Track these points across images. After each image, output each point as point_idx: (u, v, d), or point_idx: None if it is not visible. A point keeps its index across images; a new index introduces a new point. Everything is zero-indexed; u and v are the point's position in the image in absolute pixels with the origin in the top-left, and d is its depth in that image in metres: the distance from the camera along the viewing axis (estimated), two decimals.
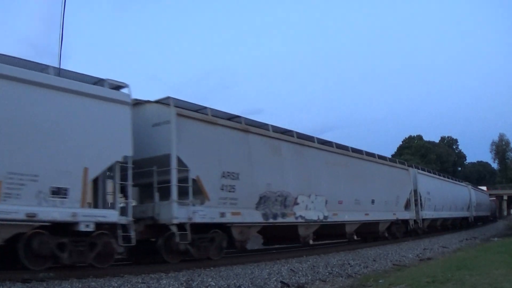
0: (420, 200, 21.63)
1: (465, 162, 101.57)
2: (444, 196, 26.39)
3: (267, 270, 9.30)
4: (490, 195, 57.37)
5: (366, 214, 16.40)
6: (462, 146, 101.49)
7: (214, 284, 7.56)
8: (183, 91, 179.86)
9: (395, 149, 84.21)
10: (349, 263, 10.85)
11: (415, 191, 21.26)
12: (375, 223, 17.43)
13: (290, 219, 12.45)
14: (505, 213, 68.66)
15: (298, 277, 8.70)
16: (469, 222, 32.83)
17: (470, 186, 35.92)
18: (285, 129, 13.56)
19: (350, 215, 15.45)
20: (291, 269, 9.53)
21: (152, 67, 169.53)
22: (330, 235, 16.10)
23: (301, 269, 9.67)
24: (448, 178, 31.61)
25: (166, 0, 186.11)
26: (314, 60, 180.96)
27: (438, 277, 7.16)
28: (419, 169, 23.84)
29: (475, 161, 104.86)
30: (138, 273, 8.36)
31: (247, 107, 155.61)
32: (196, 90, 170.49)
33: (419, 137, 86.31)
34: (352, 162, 16.34)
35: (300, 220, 12.83)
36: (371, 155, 18.46)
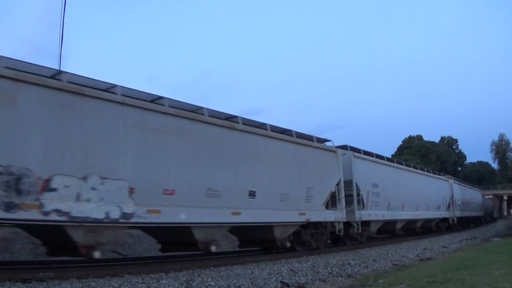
0: (359, 195, 15.92)
1: (465, 162, 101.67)
2: (407, 190, 20.45)
3: (267, 270, 9.29)
4: (487, 193, 55.39)
5: (236, 213, 10.67)
6: (462, 146, 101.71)
7: (214, 284, 7.56)
8: (183, 91, 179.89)
9: (395, 149, 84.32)
10: (349, 263, 10.85)
11: (349, 182, 15.56)
12: (264, 228, 11.77)
13: (26, 215, 7.05)
14: (505, 213, 68.68)
15: (298, 277, 8.70)
16: (450, 225, 27.80)
17: (452, 181, 29.92)
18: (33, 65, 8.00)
19: (197, 214, 9.72)
20: (291, 269, 9.53)
21: (152, 67, 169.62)
22: (169, 243, 10.77)
23: (301, 269, 9.67)
24: (416, 168, 24.13)
25: (166, 0, 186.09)
26: (314, 60, 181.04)
27: (438, 277, 7.16)
28: (360, 152, 17.16)
29: (475, 161, 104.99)
30: (138, 273, 8.36)
31: (247, 107, 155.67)
32: (196, 90, 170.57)
33: (419, 137, 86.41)
34: (207, 132, 10.36)
35: (56, 217, 7.40)
36: (256, 125, 12.25)
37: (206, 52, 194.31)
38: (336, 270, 9.68)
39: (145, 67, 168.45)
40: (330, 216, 14.25)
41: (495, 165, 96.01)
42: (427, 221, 24.05)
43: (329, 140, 15.40)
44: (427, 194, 23.44)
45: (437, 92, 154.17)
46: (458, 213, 29.18)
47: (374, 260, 11.62)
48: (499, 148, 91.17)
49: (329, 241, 15.43)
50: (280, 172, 12.26)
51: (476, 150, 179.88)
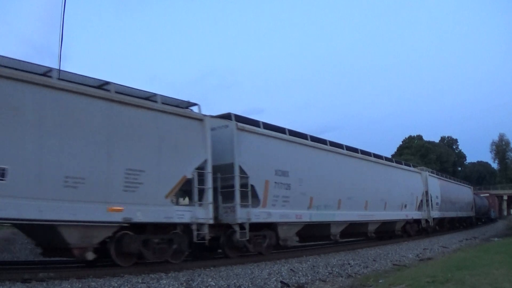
0: (247, 185, 10.98)
1: (465, 162, 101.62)
2: (347, 183, 15.36)
3: (267, 270, 9.29)
4: (482, 192, 51.86)
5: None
6: (462, 146, 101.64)
7: (214, 284, 7.57)
8: (183, 91, 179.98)
9: (395, 149, 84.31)
10: (349, 263, 10.85)
11: (230, 166, 10.93)
12: (47, 229, 7.75)
13: None
14: (505, 213, 68.63)
15: (298, 277, 8.70)
16: (423, 228, 22.73)
17: (427, 173, 24.07)
18: None
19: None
20: (291, 269, 9.53)
21: (152, 67, 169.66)
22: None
23: (301, 269, 9.67)
24: (368, 154, 18.02)
25: (166, 0, 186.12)
26: (315, 60, 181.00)
27: (438, 277, 7.15)
28: (254, 125, 11.99)
29: (475, 161, 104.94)
30: (138, 273, 8.36)
31: (247, 107, 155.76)
32: (196, 90, 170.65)
33: (419, 137, 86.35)
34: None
35: None
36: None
37: (207, 52, 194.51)
38: (336, 270, 9.68)
39: (145, 67, 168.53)
40: (180, 214, 9.49)
41: (495, 165, 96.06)
42: (386, 224, 18.60)
43: (194, 104, 10.54)
44: (385, 189, 18.13)
45: (437, 92, 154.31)
46: (436, 213, 24.10)
47: (374, 260, 11.63)
48: (499, 148, 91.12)
49: (187, 252, 10.15)
50: (70, 142, 7.80)
51: (476, 150, 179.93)
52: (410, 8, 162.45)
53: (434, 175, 26.42)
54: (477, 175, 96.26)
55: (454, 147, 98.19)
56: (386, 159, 20.19)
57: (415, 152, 79.72)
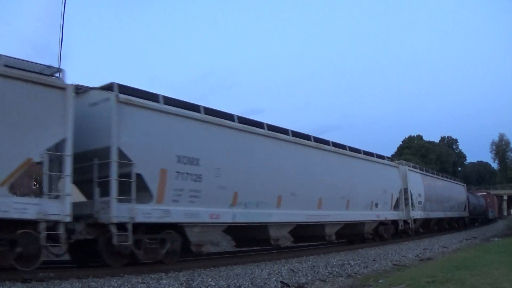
0: (131, 174, 8.82)
1: (465, 162, 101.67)
2: (291, 176, 12.75)
3: (267, 270, 9.29)
4: (479, 190, 48.90)
5: None
6: (462, 146, 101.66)
7: (214, 284, 7.57)
8: (183, 91, 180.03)
9: (395, 149, 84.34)
10: (349, 263, 10.85)
11: (106, 151, 8.72)
12: None
13: None
14: (505, 213, 68.61)
15: (298, 277, 8.70)
16: (402, 230, 19.73)
17: (407, 168, 21.07)
18: None
19: None
20: (291, 269, 9.54)
21: (152, 67, 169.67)
22: None
23: (301, 269, 9.67)
24: (325, 142, 15.05)
25: (166, 0, 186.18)
26: (315, 60, 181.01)
27: (438, 277, 7.15)
28: (152, 99, 9.64)
29: (475, 161, 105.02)
30: (138, 273, 8.35)
31: (247, 107, 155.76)
32: (196, 90, 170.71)
33: (419, 137, 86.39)
34: None
35: None
36: None
37: (207, 52, 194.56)
38: (336, 270, 9.68)
39: (145, 67, 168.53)
40: (20, 208, 7.27)
41: (495, 165, 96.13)
42: (351, 226, 15.78)
43: (58, 70, 8.25)
44: (347, 185, 15.28)
45: (437, 92, 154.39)
46: (418, 214, 21.30)
47: (374, 260, 11.63)
48: (499, 148, 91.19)
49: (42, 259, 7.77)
50: None
51: (476, 150, 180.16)
52: (410, 8, 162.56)
53: (417, 170, 23.06)
54: (477, 175, 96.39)
55: (454, 147, 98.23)
56: (351, 149, 16.35)
57: (415, 152, 79.73)
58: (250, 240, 12.68)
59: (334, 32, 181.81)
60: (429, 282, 6.78)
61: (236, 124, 11.20)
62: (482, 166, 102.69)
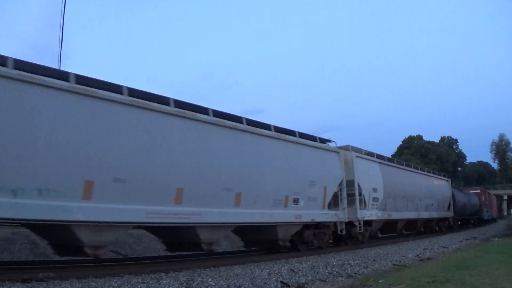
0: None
1: (465, 162, 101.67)
2: (121, 160, 8.46)
3: (267, 270, 9.29)
4: (472, 188, 45.04)
5: None
6: (462, 146, 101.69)
7: (214, 284, 7.56)
8: (183, 91, 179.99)
9: (395, 149, 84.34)
10: (349, 263, 10.85)
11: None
12: None
13: None
14: (505, 213, 68.58)
15: (298, 277, 8.70)
16: (342, 234, 14.98)
17: (355, 154, 16.22)
18: None
19: None
20: (291, 269, 9.53)
21: (152, 67, 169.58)
22: None
23: (301, 269, 9.67)
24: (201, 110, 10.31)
25: (166, 0, 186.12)
26: (315, 60, 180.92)
27: (438, 277, 7.15)
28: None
29: (475, 161, 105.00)
30: (138, 273, 8.36)
31: (247, 107, 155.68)
32: (196, 91, 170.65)
33: (419, 137, 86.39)
34: None
35: None
36: None
37: (207, 52, 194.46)
38: (336, 270, 9.68)
39: (145, 67, 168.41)
40: None
41: (495, 165, 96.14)
42: (249, 229, 11.88)
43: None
44: (237, 172, 10.85)
45: (437, 92, 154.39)
46: (372, 214, 16.77)
47: (374, 260, 11.62)
48: (499, 148, 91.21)
49: None
50: None
51: (476, 150, 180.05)
52: (410, 8, 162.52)
53: (372, 158, 17.79)
54: (477, 175, 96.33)
55: (454, 147, 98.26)
56: (251, 122, 11.57)
57: (415, 152, 79.78)
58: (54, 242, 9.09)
59: (334, 32, 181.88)
60: (429, 282, 6.78)
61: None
62: (482, 166, 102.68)
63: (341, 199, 14.89)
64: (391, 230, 20.29)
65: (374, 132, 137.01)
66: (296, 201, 12.71)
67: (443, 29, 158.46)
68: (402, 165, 21.67)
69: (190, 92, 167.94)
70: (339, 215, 14.78)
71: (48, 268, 8.17)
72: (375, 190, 17.11)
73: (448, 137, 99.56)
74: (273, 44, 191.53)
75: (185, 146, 9.70)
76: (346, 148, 16.16)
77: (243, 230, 12.18)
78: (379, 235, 19.70)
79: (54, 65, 8.50)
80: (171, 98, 9.54)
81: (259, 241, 12.76)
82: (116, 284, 7.11)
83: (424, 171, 25.12)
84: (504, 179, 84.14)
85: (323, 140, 14.87)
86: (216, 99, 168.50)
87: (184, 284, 7.43)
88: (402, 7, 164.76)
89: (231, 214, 10.67)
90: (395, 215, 19.01)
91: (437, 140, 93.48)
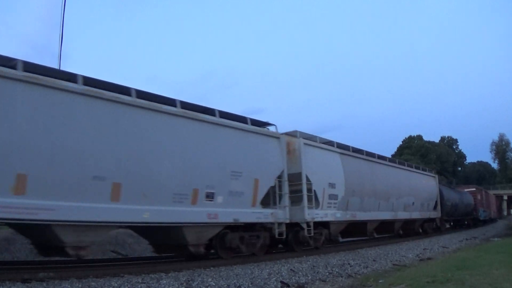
0: None
1: (465, 162, 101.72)
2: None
3: (267, 270, 9.29)
4: (467, 186, 41.61)
5: None
6: (462, 146, 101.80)
7: (214, 284, 7.56)
8: (183, 91, 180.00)
9: (395, 149, 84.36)
10: (349, 263, 10.85)
11: None
12: None
13: None
14: (505, 213, 68.59)
15: (298, 277, 8.69)
16: (281, 238, 12.12)
17: (303, 140, 13.45)
18: None
19: None
20: (291, 269, 9.53)
21: (152, 67, 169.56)
22: None
23: (301, 269, 9.67)
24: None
25: (166, 0, 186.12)
26: (315, 60, 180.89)
27: (438, 277, 7.15)
28: None
29: (475, 161, 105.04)
30: (138, 273, 8.36)
31: (247, 107, 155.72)
32: (196, 90, 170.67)
33: (419, 137, 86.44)
34: None
35: None
36: None
37: (207, 52, 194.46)
38: (336, 270, 9.68)
39: (145, 67, 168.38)
40: None
41: (495, 165, 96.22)
42: (155, 230, 9.60)
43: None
44: (114, 157, 8.33)
45: (437, 92, 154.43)
46: (329, 214, 14.01)
47: (374, 260, 11.62)
48: (499, 148, 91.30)
49: None
50: None
51: (476, 150, 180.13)
52: (410, 8, 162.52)
53: (330, 147, 14.87)
54: (477, 175, 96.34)
55: (454, 147, 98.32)
56: (141, 95, 9.01)
57: (415, 152, 79.82)
58: None
59: (334, 32, 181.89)
60: (429, 282, 6.78)
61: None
62: (482, 166, 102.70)
63: (280, 195, 12.18)
64: (359, 233, 17.38)
65: (374, 132, 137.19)
66: (210, 196, 10.09)
67: (443, 29, 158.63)
68: (374, 157, 18.10)
69: (190, 92, 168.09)
70: (277, 215, 11.95)
71: (48, 268, 8.17)
72: (332, 185, 14.23)
73: (448, 137, 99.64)
74: (273, 44, 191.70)
75: (34, 120, 7.31)
76: (292, 134, 13.49)
77: (147, 232, 10.09)
78: (340, 239, 16.48)
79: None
80: (19, 60, 7.38)
81: (168, 246, 10.40)
82: (116, 284, 7.11)
83: (404, 165, 21.75)
84: (504, 179, 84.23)
85: (259, 123, 12.20)
86: (216, 99, 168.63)
87: (184, 284, 7.43)
88: (402, 7, 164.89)
89: (106, 210, 8.12)
90: (362, 216, 16.07)
91: (437, 140, 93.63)
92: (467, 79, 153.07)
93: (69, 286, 6.80)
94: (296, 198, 12.85)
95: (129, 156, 8.48)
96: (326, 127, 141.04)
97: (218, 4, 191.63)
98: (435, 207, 24.56)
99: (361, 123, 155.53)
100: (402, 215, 19.75)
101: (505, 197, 69.41)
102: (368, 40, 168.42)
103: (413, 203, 20.89)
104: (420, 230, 23.16)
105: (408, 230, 21.66)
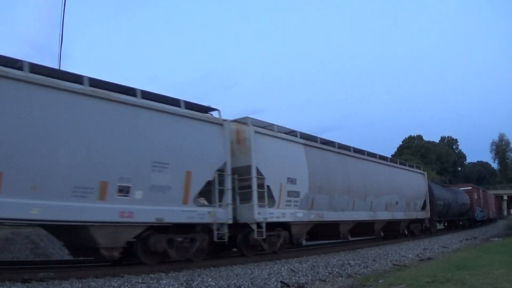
0: None
1: (465, 162, 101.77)
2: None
3: (267, 270, 9.29)
4: (462, 184, 39.55)
5: None
6: (462, 146, 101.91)
7: (214, 284, 7.56)
8: (183, 91, 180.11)
9: (395, 149, 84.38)
10: (349, 263, 10.85)
11: None
12: None
13: None
14: (505, 213, 68.63)
15: (298, 277, 8.70)
16: (220, 240, 10.34)
17: (254, 129, 11.52)
18: None
19: None
20: (291, 269, 9.53)
21: (152, 67, 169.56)
22: None
23: (301, 269, 9.67)
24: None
25: (166, 0, 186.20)
26: (315, 60, 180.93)
27: (438, 277, 7.16)
28: None
29: (475, 161, 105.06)
30: (138, 273, 8.36)
31: (247, 107, 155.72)
32: (196, 90, 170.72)
33: (419, 137, 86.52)
34: None
35: None
36: None
37: (207, 52, 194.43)
38: (336, 270, 9.68)
39: (145, 67, 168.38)
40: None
41: (495, 165, 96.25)
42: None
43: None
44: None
45: (437, 92, 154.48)
46: (288, 214, 12.21)
47: (374, 260, 11.62)
48: (499, 148, 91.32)
49: None
50: None
51: (476, 150, 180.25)
52: (410, 8, 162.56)
53: (291, 137, 13.00)
54: (477, 175, 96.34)
55: (454, 147, 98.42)
56: (36, 69, 7.62)
57: (415, 152, 79.86)
58: None
59: (334, 32, 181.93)
60: (429, 282, 6.79)
61: None
62: (482, 166, 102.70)
63: (221, 191, 10.48)
64: (331, 236, 15.49)
65: (374, 132, 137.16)
66: (124, 190, 8.50)
67: (443, 29, 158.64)
68: (349, 150, 16.11)
69: (190, 92, 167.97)
70: (217, 214, 10.22)
71: (48, 268, 8.18)
72: (292, 181, 12.36)
73: (448, 137, 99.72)
74: (273, 44, 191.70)
75: None
76: (242, 121, 11.70)
77: (57, 232, 9.06)
78: (304, 242, 14.17)
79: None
80: None
81: (82, 249, 8.89)
82: (116, 284, 7.11)
83: (387, 160, 19.52)
84: (504, 179, 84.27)
85: (198, 108, 10.44)
86: (216, 99, 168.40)
87: (184, 284, 7.43)
88: (402, 7, 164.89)
89: None
90: (331, 216, 14.08)
91: (437, 140, 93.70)
92: (467, 79, 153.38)
93: (69, 286, 6.81)
94: (247, 195, 11.12)
95: (12, 140, 7.10)
96: (326, 127, 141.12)
97: (218, 4, 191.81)
98: (424, 207, 22.56)
99: (361, 123, 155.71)
100: (383, 215, 17.74)
101: (505, 197, 69.43)
102: (368, 40, 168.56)
103: (396, 202, 18.89)
104: (406, 232, 21.06)
105: (391, 232, 19.68)
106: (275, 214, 11.69)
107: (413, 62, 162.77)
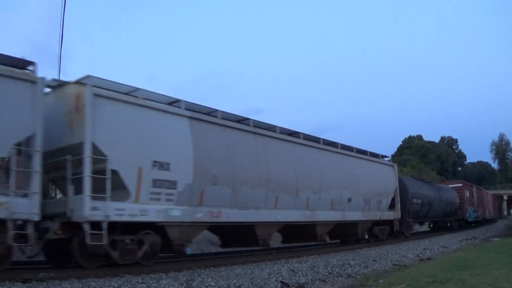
0: None
1: (465, 162, 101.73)
2: None
3: (267, 270, 9.29)
4: (451, 181, 35.65)
5: None
6: (462, 146, 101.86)
7: (214, 284, 7.56)
8: (183, 91, 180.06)
9: (395, 149, 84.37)
10: (349, 263, 10.85)
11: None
12: None
13: None
14: (505, 213, 68.60)
15: (298, 277, 8.69)
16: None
17: (94, 90, 8.18)
18: None
19: None
20: (291, 269, 9.53)
21: (152, 67, 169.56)
22: None
23: (301, 269, 9.67)
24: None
25: (166, 0, 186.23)
26: (315, 60, 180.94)
27: (438, 277, 7.16)
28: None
29: (475, 161, 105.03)
30: (138, 273, 8.36)
31: (247, 107, 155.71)
32: (196, 90, 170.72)
33: (419, 137, 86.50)
34: None
35: None
36: None
37: (207, 52, 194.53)
38: (336, 270, 9.68)
39: (145, 67, 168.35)
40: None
41: (495, 165, 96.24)
42: None
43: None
44: None
45: (437, 92, 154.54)
46: (135, 210, 8.62)
47: (374, 260, 11.62)
48: (499, 148, 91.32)
49: None
50: None
51: (476, 150, 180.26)
52: (410, 8, 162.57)
53: (158, 105, 9.48)
54: (477, 175, 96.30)
55: (454, 147, 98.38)
56: None
57: (415, 152, 79.81)
58: None
59: (334, 32, 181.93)
60: (429, 282, 6.78)
61: None
62: (482, 166, 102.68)
63: (26, 174, 7.53)
64: (247, 242, 12.26)
65: (374, 132, 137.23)
66: None
67: (443, 28, 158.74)
68: (274, 131, 12.65)
69: (190, 92, 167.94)
70: (14, 207, 7.14)
71: (48, 268, 8.17)
72: (162, 165, 9.18)
73: (448, 137, 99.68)
74: (273, 44, 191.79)
75: None
76: (80, 81, 8.54)
77: None
78: (189, 250, 10.26)
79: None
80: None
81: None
82: (116, 284, 7.11)
83: (338, 147, 15.48)
84: (504, 179, 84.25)
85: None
86: (216, 99, 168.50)
87: (184, 284, 7.43)
88: (402, 7, 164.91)
89: None
90: (237, 216, 10.88)
91: (437, 140, 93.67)
92: (467, 79, 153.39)
93: (69, 286, 6.81)
94: (98, 183, 8.10)
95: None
96: (326, 127, 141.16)
97: (218, 4, 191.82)
98: (392, 206, 18.88)
99: (361, 123, 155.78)
100: (327, 215, 14.18)
101: (505, 197, 69.38)
102: (368, 40, 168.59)
103: (349, 200, 15.34)
104: (366, 236, 17.52)
105: (345, 236, 16.24)
106: (128, 210, 8.53)
107: (413, 62, 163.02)
